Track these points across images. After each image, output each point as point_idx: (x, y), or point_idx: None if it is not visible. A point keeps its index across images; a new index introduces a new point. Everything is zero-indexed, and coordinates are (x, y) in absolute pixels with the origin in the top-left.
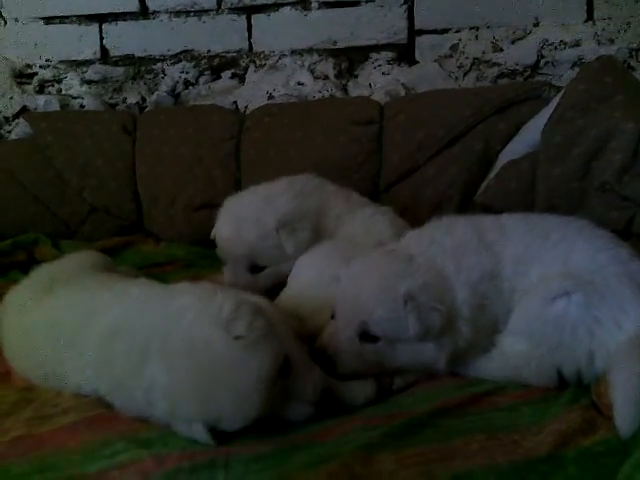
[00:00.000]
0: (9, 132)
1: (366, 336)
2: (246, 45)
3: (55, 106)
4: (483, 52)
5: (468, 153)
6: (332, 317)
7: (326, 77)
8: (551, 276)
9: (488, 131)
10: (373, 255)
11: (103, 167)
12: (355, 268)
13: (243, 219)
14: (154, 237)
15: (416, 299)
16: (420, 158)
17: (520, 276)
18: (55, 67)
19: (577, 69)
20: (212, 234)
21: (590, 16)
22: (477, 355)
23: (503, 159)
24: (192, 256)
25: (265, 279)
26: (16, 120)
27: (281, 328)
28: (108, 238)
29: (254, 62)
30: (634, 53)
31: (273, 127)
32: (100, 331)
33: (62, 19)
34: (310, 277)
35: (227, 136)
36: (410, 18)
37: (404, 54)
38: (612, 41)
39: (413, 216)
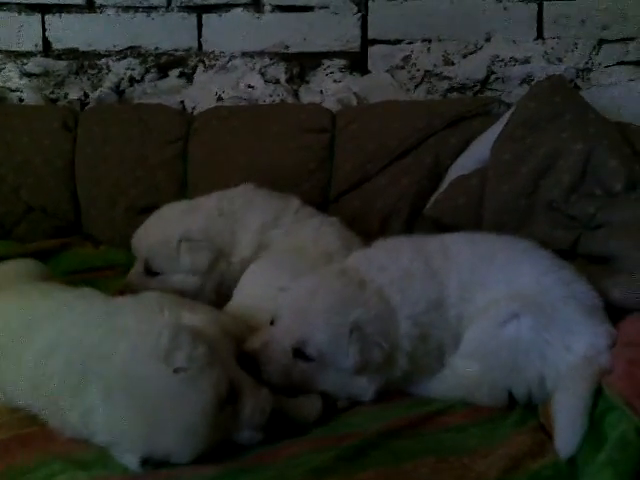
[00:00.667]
0: None
1: (300, 354)
2: (195, 44)
3: None
4: (434, 65)
5: (419, 166)
6: (271, 323)
7: (277, 81)
8: (499, 299)
9: (439, 145)
10: (326, 273)
11: (41, 165)
12: (306, 283)
13: (154, 223)
14: (92, 240)
15: (362, 331)
16: (371, 168)
17: (466, 302)
18: None
19: (526, 86)
20: None
21: (540, 34)
22: (426, 376)
23: (452, 173)
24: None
25: (156, 284)
26: None
27: (223, 351)
28: (44, 239)
29: (203, 62)
30: (580, 73)
31: (222, 130)
32: (39, 344)
33: (0, 6)
34: (256, 288)
35: (173, 137)
36: (364, 27)
37: (356, 63)
38: (560, 60)
39: (362, 227)
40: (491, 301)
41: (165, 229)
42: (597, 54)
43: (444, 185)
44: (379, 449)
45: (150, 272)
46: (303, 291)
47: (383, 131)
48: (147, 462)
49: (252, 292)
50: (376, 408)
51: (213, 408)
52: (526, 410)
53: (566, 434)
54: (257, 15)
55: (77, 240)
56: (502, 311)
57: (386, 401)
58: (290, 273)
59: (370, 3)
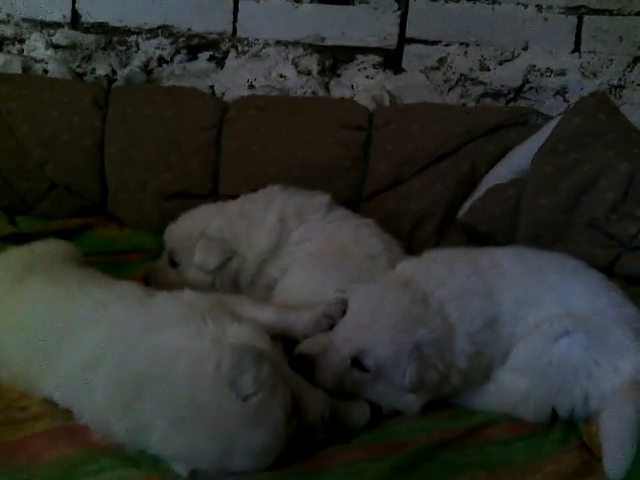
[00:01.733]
0: None
1: (358, 363)
2: (230, 28)
3: (16, 68)
4: (470, 69)
5: (455, 171)
6: (330, 327)
7: (309, 73)
8: (551, 317)
9: (476, 152)
10: (390, 283)
11: (69, 142)
12: (371, 292)
13: (186, 217)
14: (117, 221)
15: (423, 352)
16: (407, 171)
17: (519, 320)
18: (17, 25)
19: (560, 98)
20: None
21: (577, 47)
22: (469, 388)
23: (487, 182)
24: (160, 246)
25: (174, 276)
26: None
27: (279, 360)
28: (66, 217)
29: (236, 47)
30: (614, 90)
31: (258, 121)
32: (78, 354)
33: None
34: (301, 288)
35: (208, 124)
36: (402, 25)
37: (391, 60)
38: (595, 75)
39: (394, 228)
40: (543, 319)
41: (191, 224)
42: (631, 71)
43: (478, 193)
44: (432, 461)
45: (172, 263)
46: (368, 301)
47: (421, 134)
48: (196, 472)
49: (297, 292)
50: (420, 418)
51: (283, 425)
52: (567, 426)
53: (615, 457)
54: (295, 5)
55: (101, 221)
56: (555, 328)
57: (430, 412)
58: (338, 275)
59: (411, 2)
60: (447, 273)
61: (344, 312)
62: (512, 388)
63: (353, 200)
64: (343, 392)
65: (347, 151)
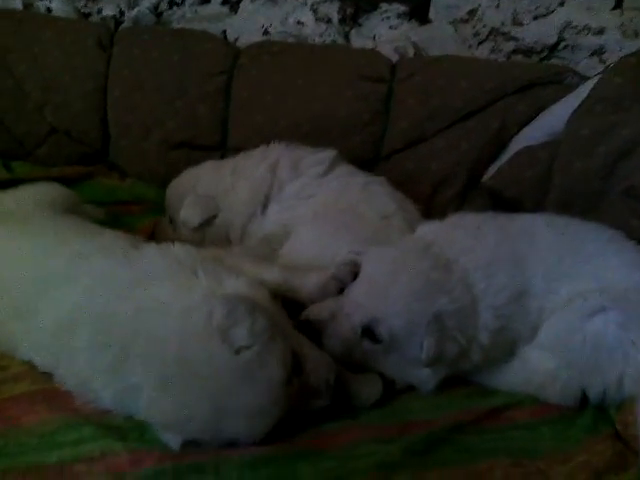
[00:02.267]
0: None
1: (369, 333)
2: None
3: (17, 4)
4: (502, 23)
5: (482, 130)
6: (340, 291)
7: (328, 20)
8: (586, 291)
9: (507, 110)
10: (408, 247)
11: (70, 85)
12: (389, 256)
13: (186, 173)
14: (118, 170)
15: (443, 323)
16: (430, 128)
17: (550, 294)
18: None
19: (596, 58)
20: None
21: (619, 4)
22: (491, 365)
23: (517, 143)
24: (162, 199)
25: (172, 233)
26: None
27: (279, 316)
28: (65, 164)
29: None
30: None
31: (272, 68)
32: (57, 315)
33: None
34: (309, 248)
35: (218, 70)
36: None
37: (417, 10)
38: (637, 35)
39: (413, 191)
40: (577, 294)
41: (185, 181)
42: None
43: (506, 155)
44: (448, 444)
45: (170, 220)
46: (384, 265)
47: (447, 88)
48: (189, 443)
49: (304, 253)
50: (436, 394)
51: (281, 385)
52: (596, 411)
53: None
54: None
55: (102, 169)
56: (589, 303)
57: (446, 389)
58: (349, 236)
59: None
60: (473, 239)
61: (355, 275)
62: (539, 367)
63: (370, 159)
64: (352, 363)
65: (366, 105)
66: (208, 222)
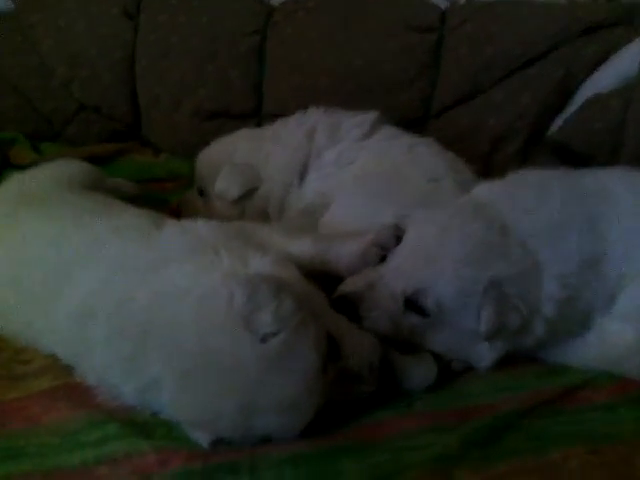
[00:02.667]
0: None
1: (413, 305)
2: None
3: None
4: None
5: (545, 79)
6: (382, 260)
7: None
8: None
9: (572, 55)
10: (458, 209)
11: (97, 57)
12: (437, 218)
13: (218, 142)
14: (152, 146)
15: (501, 290)
16: (486, 79)
17: (630, 259)
18: None
19: None
20: None
21: None
22: (559, 340)
23: (585, 92)
24: None
25: (203, 207)
26: None
27: (311, 296)
28: (97, 143)
29: None
30: None
31: (307, 24)
32: (74, 302)
33: None
34: (349, 217)
35: (249, 30)
36: None
37: None
38: None
39: (468, 150)
40: None
41: (219, 150)
42: None
43: (575, 105)
44: (515, 432)
45: (201, 192)
46: (430, 227)
47: (504, 34)
48: (218, 441)
49: (344, 222)
50: (499, 374)
51: (316, 373)
52: None
53: None
54: None
55: (135, 146)
56: None
57: (508, 365)
58: (393, 201)
59: None
60: (537, 199)
61: (399, 241)
62: (617, 339)
63: (419, 117)
64: (399, 341)
65: (413, 57)
66: (248, 194)
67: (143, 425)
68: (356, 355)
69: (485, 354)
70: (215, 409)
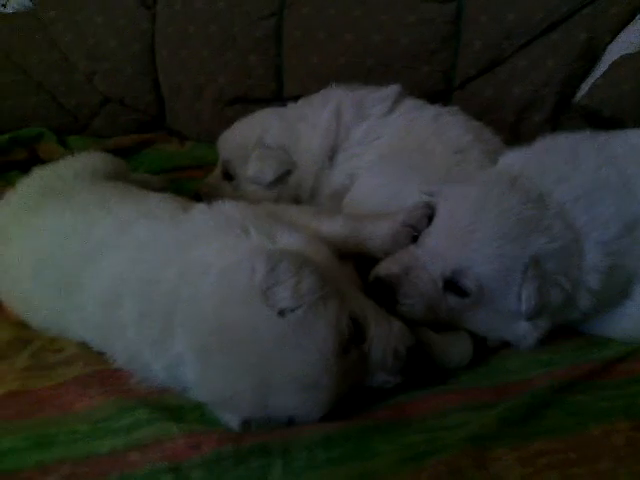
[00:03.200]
0: (4, 5)
1: (453, 286)
2: None
3: None
4: None
5: (569, 43)
6: (413, 240)
7: None
8: None
9: (596, 17)
10: (492, 181)
11: (117, 49)
12: (469, 193)
13: (240, 124)
14: (178, 135)
15: (542, 266)
16: (508, 47)
17: None
18: None
19: None
20: None
21: None
22: (601, 312)
23: (612, 53)
24: None
25: (230, 190)
26: None
27: (338, 275)
28: (123, 135)
29: None
30: None
31: (325, 2)
32: (102, 287)
33: None
34: (374, 195)
35: (267, 12)
36: None
37: None
38: None
39: (494, 120)
40: None
41: (246, 132)
42: None
43: (602, 68)
44: (554, 408)
45: (227, 176)
46: (464, 203)
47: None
48: (249, 422)
49: (369, 201)
50: (536, 349)
51: (335, 353)
52: None
53: None
54: None
55: (161, 136)
56: None
57: (548, 343)
58: (419, 176)
59: None
60: (569, 164)
61: (430, 220)
62: None
63: (442, 90)
64: (437, 323)
65: (433, 29)
66: (282, 178)
67: (174, 409)
68: (381, 340)
69: (527, 333)
70: (233, 386)
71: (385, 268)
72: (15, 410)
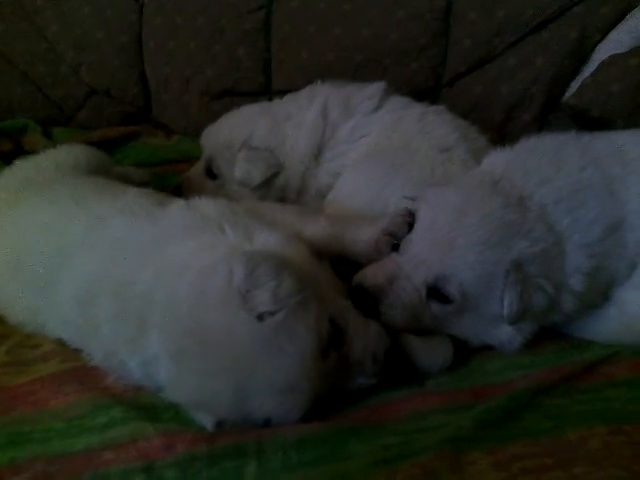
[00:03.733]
0: None
1: (436, 293)
2: None
3: None
4: None
5: (559, 42)
6: (394, 248)
7: None
8: None
9: (586, 15)
10: (473, 184)
11: (104, 40)
12: (450, 198)
13: (225, 121)
14: (164, 128)
15: (524, 270)
16: (498, 45)
17: None
18: None
19: None
20: None
21: None
22: (581, 314)
23: (602, 53)
24: None
25: (212, 188)
26: None
27: (317, 278)
28: (109, 127)
29: None
30: None
31: None
32: (77, 285)
33: None
34: (356, 197)
35: (255, 5)
36: None
37: None
38: None
39: (482, 118)
40: None
41: (232, 131)
42: None
43: (591, 67)
44: (531, 411)
45: (210, 173)
46: (445, 209)
47: None
48: (223, 423)
49: (351, 201)
50: (516, 353)
51: (314, 357)
52: None
53: None
54: None
55: (147, 129)
56: None
57: (529, 343)
58: (402, 176)
59: None
60: (552, 166)
61: (411, 226)
62: (638, 311)
63: (430, 87)
64: (421, 330)
65: (422, 25)
66: (269, 180)
67: (149, 408)
68: (360, 344)
69: (512, 338)
70: (210, 389)
71: (371, 278)
72: None
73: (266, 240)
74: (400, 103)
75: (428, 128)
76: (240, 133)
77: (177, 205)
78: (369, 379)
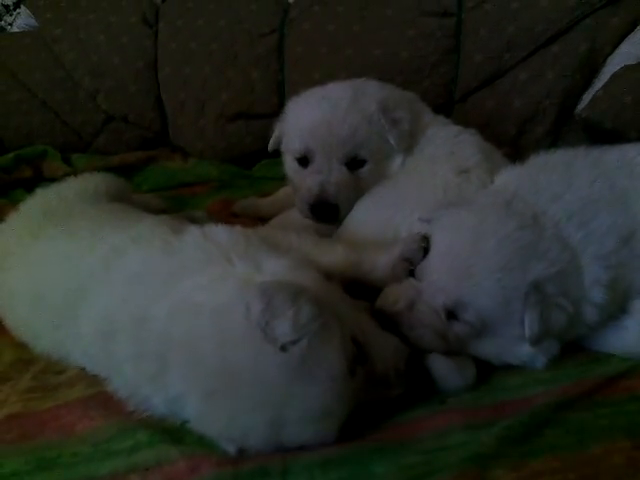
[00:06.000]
0: (10, 24)
1: (455, 317)
2: None
3: None
4: None
5: (570, 55)
6: (410, 273)
7: None
8: None
9: (597, 28)
10: (488, 206)
11: (120, 66)
12: (465, 222)
13: (338, 101)
14: (181, 152)
15: (543, 291)
16: (509, 60)
17: None
18: None
19: None
20: (270, 144)
21: None
22: (602, 326)
23: (613, 65)
24: (226, 176)
25: (365, 178)
26: (17, 9)
27: (332, 298)
28: (127, 152)
29: None
30: None
31: (324, 18)
32: (95, 320)
33: None
34: (367, 214)
35: (267, 29)
36: None
37: None
38: None
39: (494, 133)
40: None
41: (357, 104)
42: None
43: (602, 79)
44: (553, 426)
45: (355, 163)
46: (461, 234)
47: (524, 12)
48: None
49: (362, 227)
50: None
51: (344, 378)
52: None
53: None
54: None
55: (164, 153)
56: None
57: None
58: (412, 202)
59: None
60: (563, 182)
61: (426, 250)
62: None
63: (443, 103)
64: (449, 350)
65: (433, 43)
66: None
67: (174, 432)
68: (382, 359)
69: (535, 357)
70: (243, 425)
71: (390, 303)
72: (17, 433)
73: (274, 267)
74: (435, 119)
75: (457, 148)
76: (367, 103)
77: (191, 235)
78: (395, 389)
